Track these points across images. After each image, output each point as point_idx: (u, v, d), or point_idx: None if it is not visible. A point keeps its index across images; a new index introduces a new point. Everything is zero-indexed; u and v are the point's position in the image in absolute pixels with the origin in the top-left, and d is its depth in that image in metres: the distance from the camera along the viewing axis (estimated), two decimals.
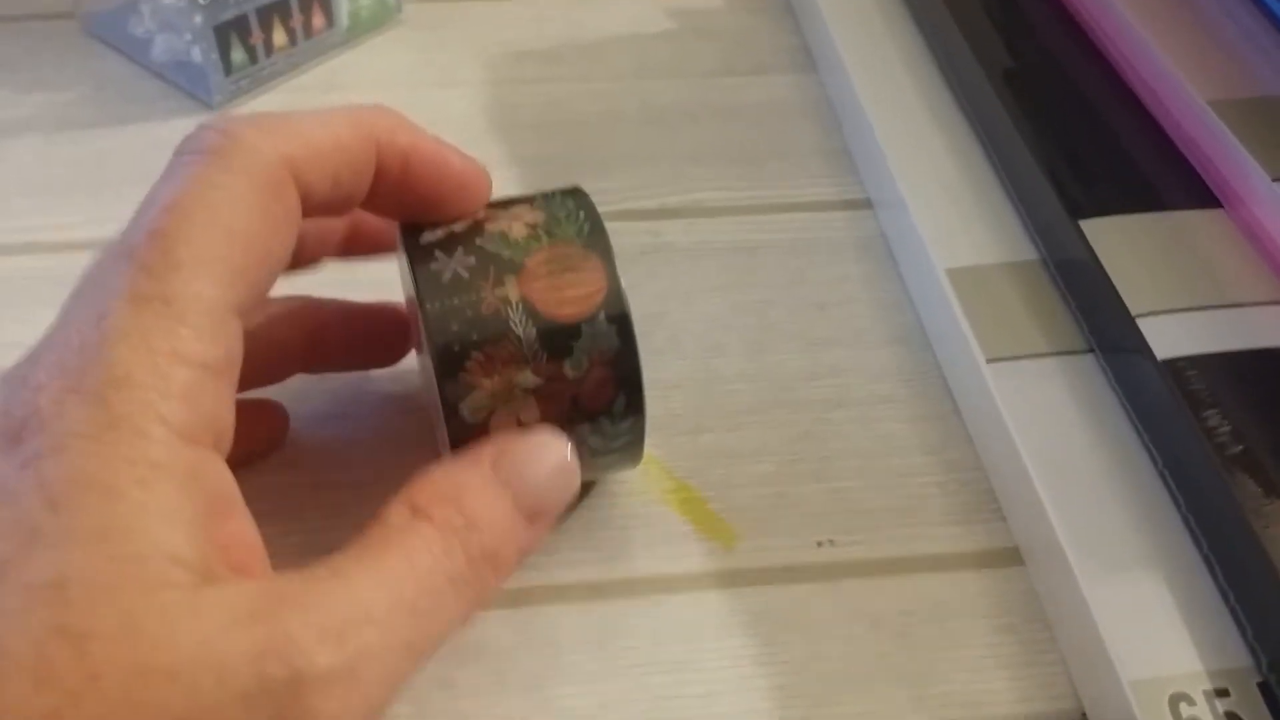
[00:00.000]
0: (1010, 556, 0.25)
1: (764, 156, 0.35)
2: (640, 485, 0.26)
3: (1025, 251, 0.29)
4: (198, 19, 0.33)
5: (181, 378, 0.17)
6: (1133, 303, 0.26)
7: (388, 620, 0.17)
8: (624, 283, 0.22)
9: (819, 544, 0.25)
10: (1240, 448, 0.23)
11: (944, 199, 0.31)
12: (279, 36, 0.35)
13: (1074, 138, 0.30)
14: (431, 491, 0.19)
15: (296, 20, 0.36)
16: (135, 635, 0.15)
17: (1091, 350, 0.27)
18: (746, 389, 0.28)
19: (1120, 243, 0.27)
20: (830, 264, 0.31)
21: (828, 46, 0.37)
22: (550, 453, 0.21)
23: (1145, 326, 0.25)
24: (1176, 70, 0.30)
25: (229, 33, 0.34)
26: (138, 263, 0.17)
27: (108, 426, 0.16)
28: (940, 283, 0.28)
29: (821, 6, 0.37)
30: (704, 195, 0.33)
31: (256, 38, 0.35)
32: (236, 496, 0.18)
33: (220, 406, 0.18)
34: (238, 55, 0.35)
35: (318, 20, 0.36)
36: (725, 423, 0.27)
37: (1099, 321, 0.27)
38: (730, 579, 0.24)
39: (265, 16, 0.35)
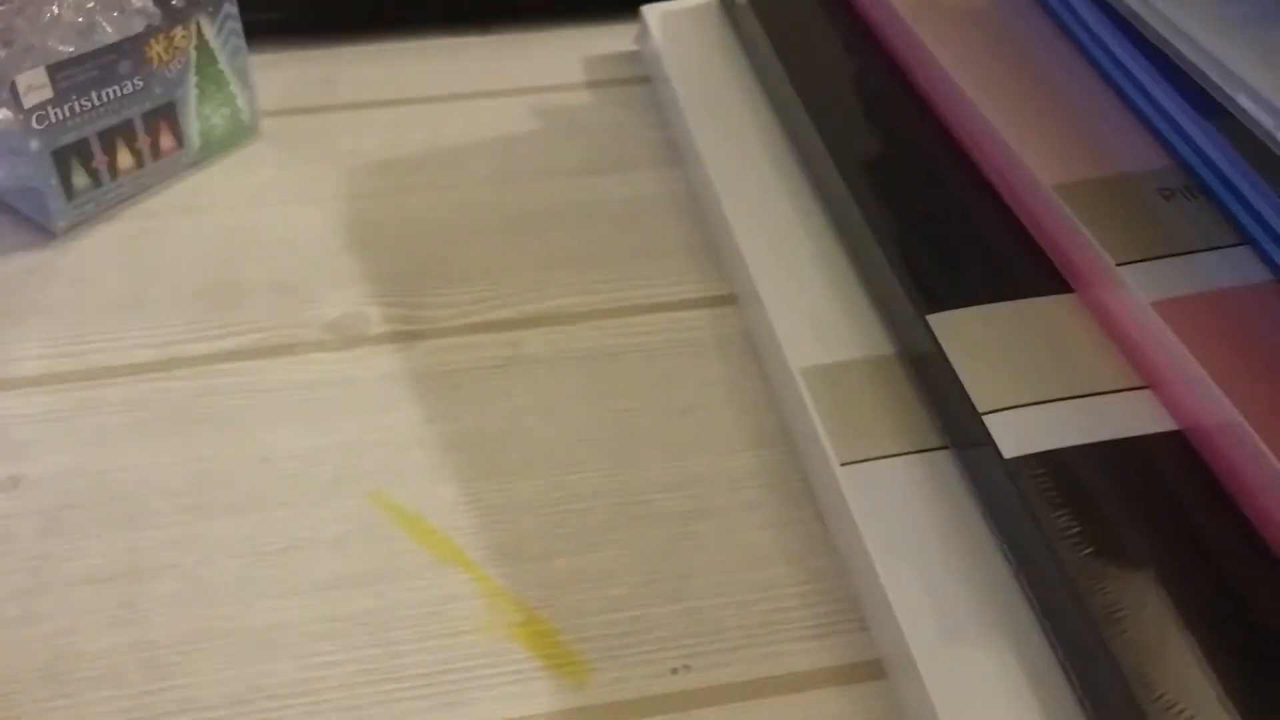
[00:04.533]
0: (873, 670, 0.24)
1: (627, 256, 0.34)
2: (485, 620, 0.25)
3: (882, 347, 0.29)
4: (34, 143, 0.32)
5: None
6: (980, 399, 0.25)
7: None
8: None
9: (674, 670, 0.24)
10: (1090, 549, 0.22)
11: (801, 295, 0.30)
12: (125, 159, 0.35)
13: (926, 229, 0.30)
14: None
15: (143, 142, 0.35)
16: None
17: (946, 447, 0.26)
18: (603, 505, 0.27)
19: (970, 336, 0.26)
20: (695, 366, 0.31)
21: (689, 140, 0.36)
22: None
23: (993, 423, 0.25)
24: (1022, 154, 0.30)
25: (70, 156, 0.33)
26: None
27: None
28: (796, 382, 0.28)
29: (682, 100, 0.37)
30: (565, 301, 0.33)
31: (100, 161, 0.34)
32: None
33: None
34: (80, 179, 0.34)
35: (166, 141, 0.35)
36: (579, 544, 0.26)
37: (951, 418, 0.26)
38: (584, 718, 0.23)
39: (109, 139, 0.34)
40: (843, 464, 0.26)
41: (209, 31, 0.36)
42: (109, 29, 0.35)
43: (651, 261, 0.34)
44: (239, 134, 0.38)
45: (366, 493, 0.27)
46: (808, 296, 0.30)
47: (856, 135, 0.33)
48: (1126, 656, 0.21)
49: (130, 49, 0.33)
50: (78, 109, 0.33)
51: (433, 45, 0.43)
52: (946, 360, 0.26)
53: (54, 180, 0.33)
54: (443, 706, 0.23)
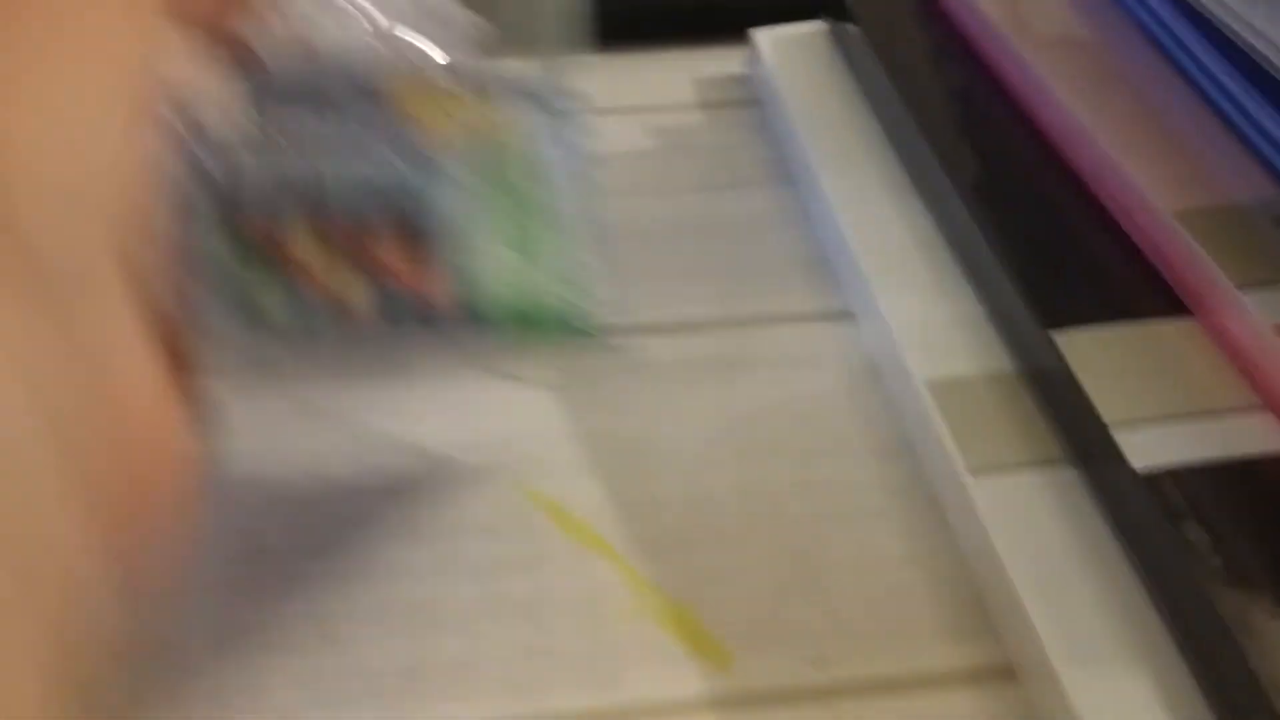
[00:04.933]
0: (1003, 673, 0.25)
1: (745, 270, 0.36)
2: (633, 607, 0.26)
3: (1001, 362, 0.30)
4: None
5: None
6: (1108, 413, 0.26)
7: None
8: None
9: (813, 663, 0.25)
10: (1220, 559, 0.23)
11: (921, 310, 0.32)
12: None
13: (1045, 250, 0.31)
14: None
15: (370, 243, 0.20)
16: None
17: (1070, 461, 0.27)
18: (736, 506, 0.28)
19: (1093, 353, 0.28)
20: (815, 377, 0.32)
21: (802, 160, 0.38)
22: None
23: (1120, 437, 0.26)
24: (1140, 182, 0.31)
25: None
26: None
27: None
28: (921, 394, 0.29)
29: (795, 121, 0.39)
30: (689, 310, 0.34)
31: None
32: None
33: None
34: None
35: (392, 257, 0.20)
36: (716, 541, 0.27)
37: (1076, 432, 0.27)
38: (729, 702, 0.24)
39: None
40: (972, 474, 0.27)
41: (528, 127, 0.22)
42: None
43: (769, 276, 0.35)
44: (548, 319, 0.22)
45: (515, 484, 0.29)
46: (927, 312, 0.32)
47: (972, 158, 0.35)
48: (1260, 660, 0.22)
49: (374, 92, 0.21)
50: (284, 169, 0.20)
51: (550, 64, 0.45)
52: (1072, 375, 0.27)
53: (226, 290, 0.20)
54: (597, 686, 0.25)
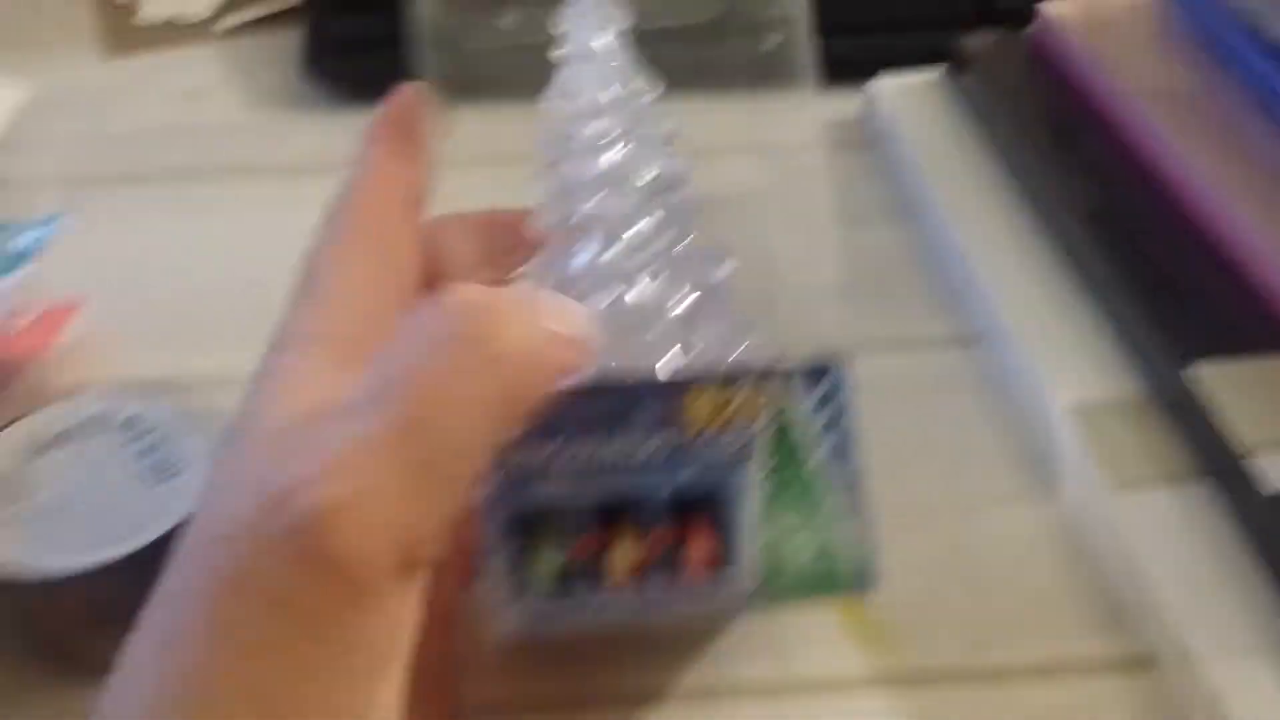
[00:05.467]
0: (1145, 662, 0.28)
1: (876, 298, 0.39)
2: None
3: (1134, 388, 0.33)
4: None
5: None
6: (1242, 439, 0.29)
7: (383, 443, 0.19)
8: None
9: (975, 647, 0.28)
10: None
11: (1052, 337, 0.34)
12: (622, 557, 0.23)
13: (1172, 286, 0.34)
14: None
15: (656, 539, 0.23)
16: None
17: (1203, 480, 0.30)
18: (890, 508, 0.31)
19: (1226, 383, 0.30)
20: (950, 397, 0.35)
21: (925, 198, 0.41)
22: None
23: (1254, 462, 0.28)
24: (1261, 231, 0.34)
25: (536, 527, 0.23)
26: None
27: None
28: (1059, 415, 0.32)
29: (917, 160, 0.42)
30: (826, 333, 0.37)
31: (580, 550, 0.23)
32: None
33: None
34: (545, 564, 0.23)
35: (698, 550, 0.24)
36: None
37: (1208, 456, 0.30)
38: (896, 680, 0.27)
39: (603, 517, 0.23)
40: (1113, 488, 0.30)
41: (800, 406, 0.24)
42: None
43: (899, 304, 0.38)
44: (828, 581, 0.24)
45: None
46: (1058, 339, 0.34)
47: (1093, 200, 0.38)
48: None
49: (660, 394, 0.23)
50: (564, 459, 0.23)
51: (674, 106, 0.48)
52: (1206, 402, 0.30)
53: (503, 556, 0.23)
54: (776, 658, 0.27)
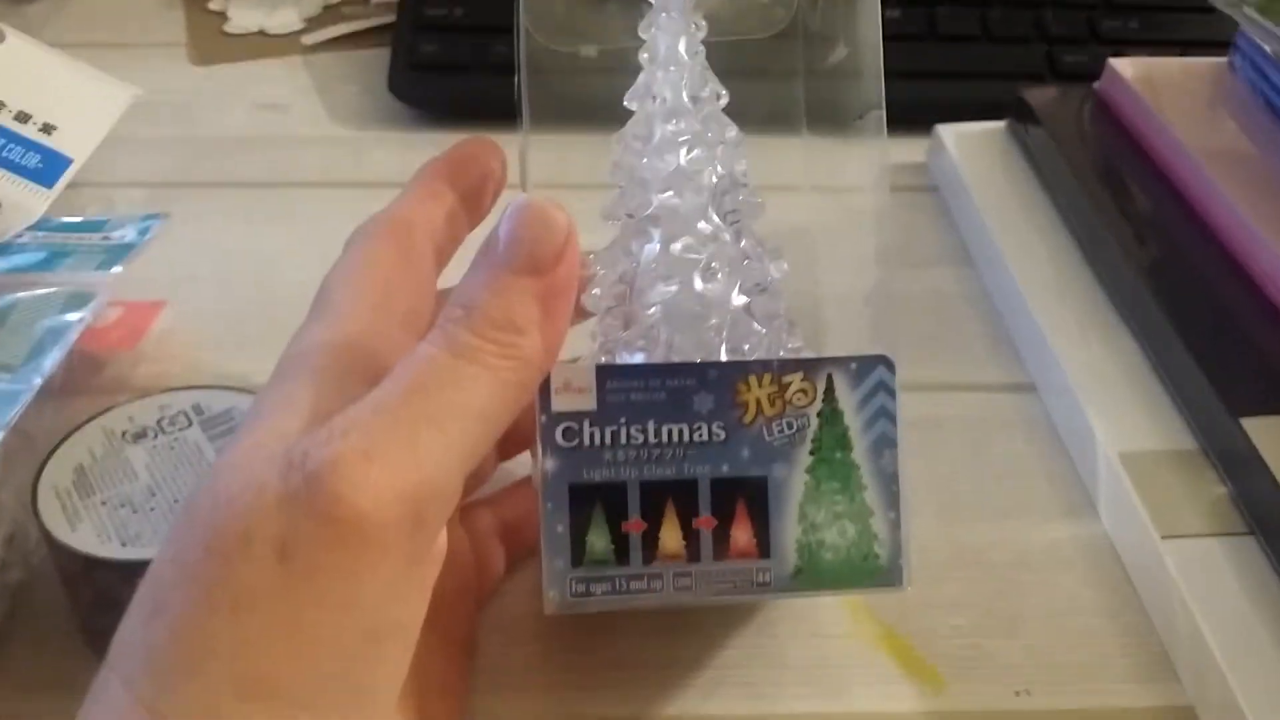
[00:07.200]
0: (1186, 713, 0.28)
1: (934, 340, 0.39)
2: (852, 629, 0.29)
3: (1184, 438, 0.33)
4: (551, 465, 0.24)
5: None
6: None
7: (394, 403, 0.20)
8: None
9: (1016, 693, 0.28)
10: None
11: (1108, 387, 0.35)
12: (670, 538, 0.25)
13: (1226, 339, 0.34)
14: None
15: (704, 523, 0.25)
16: None
17: (1253, 532, 0.30)
18: (940, 548, 0.32)
19: (1275, 436, 0.31)
20: (1004, 441, 0.35)
21: (985, 243, 0.42)
22: (519, 208, 0.23)
23: None
24: None
25: (593, 503, 0.25)
26: None
27: None
28: (1112, 464, 0.32)
29: (978, 207, 0.43)
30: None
31: (633, 525, 0.25)
32: None
33: None
34: (598, 541, 0.25)
35: (740, 537, 0.25)
36: (924, 578, 0.30)
37: (1259, 508, 0.30)
38: None
39: (655, 498, 0.25)
40: (1162, 537, 0.30)
41: (847, 400, 0.25)
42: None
43: (956, 347, 0.39)
44: (862, 572, 0.25)
45: None
46: (1113, 388, 0.35)
47: (1152, 252, 0.38)
48: None
49: (718, 379, 0.25)
50: (623, 438, 0.24)
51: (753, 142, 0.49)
52: (1258, 457, 0.30)
53: (560, 529, 0.24)
54: (824, 695, 0.28)
